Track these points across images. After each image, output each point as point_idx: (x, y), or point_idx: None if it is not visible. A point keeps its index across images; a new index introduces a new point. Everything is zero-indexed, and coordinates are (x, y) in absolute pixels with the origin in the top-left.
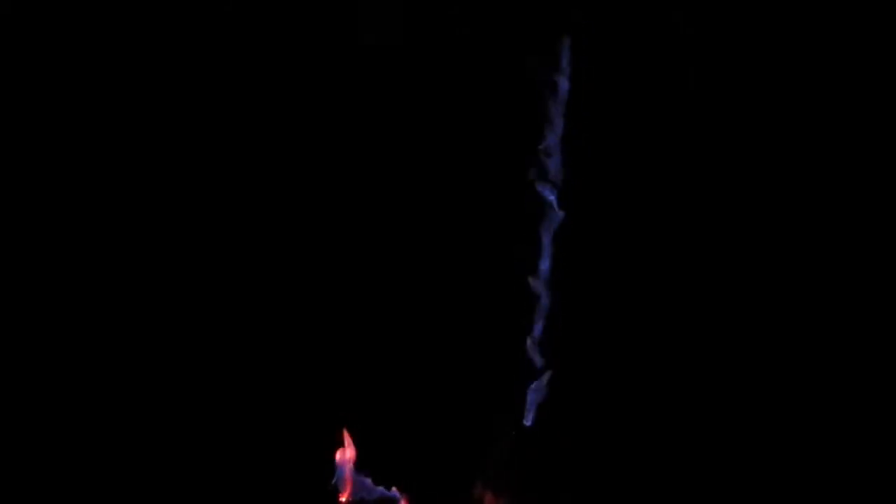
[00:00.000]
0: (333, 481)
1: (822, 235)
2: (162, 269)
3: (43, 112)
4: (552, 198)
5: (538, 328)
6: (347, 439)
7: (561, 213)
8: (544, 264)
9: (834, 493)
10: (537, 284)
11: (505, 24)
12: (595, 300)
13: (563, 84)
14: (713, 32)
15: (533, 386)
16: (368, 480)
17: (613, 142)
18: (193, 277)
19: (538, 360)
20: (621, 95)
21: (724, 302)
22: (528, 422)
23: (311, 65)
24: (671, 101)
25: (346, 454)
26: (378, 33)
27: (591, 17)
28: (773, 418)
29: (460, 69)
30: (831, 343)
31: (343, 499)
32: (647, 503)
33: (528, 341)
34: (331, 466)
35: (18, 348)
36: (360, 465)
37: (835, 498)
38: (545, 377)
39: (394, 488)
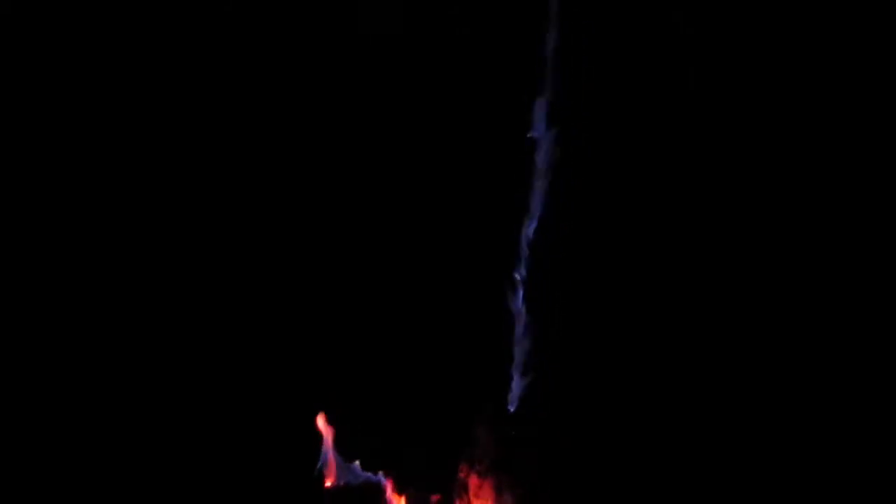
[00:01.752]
0: (319, 466)
1: (821, 235)
2: (150, 260)
3: (43, 112)
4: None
5: (522, 314)
6: (328, 425)
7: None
8: (537, 254)
9: (834, 493)
10: (523, 273)
11: (504, 23)
12: (587, 292)
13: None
14: (713, 32)
15: (518, 371)
16: (355, 465)
17: (613, 140)
18: (175, 270)
19: (524, 345)
20: (621, 95)
21: (719, 300)
22: (512, 407)
23: (311, 58)
24: (671, 101)
25: (330, 440)
26: (378, 24)
27: (591, 17)
28: (768, 416)
29: (458, 66)
30: (830, 343)
31: (329, 483)
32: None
33: (514, 327)
34: (316, 452)
35: (16, 347)
36: (346, 450)
37: (835, 498)
38: (529, 364)
39: (380, 473)
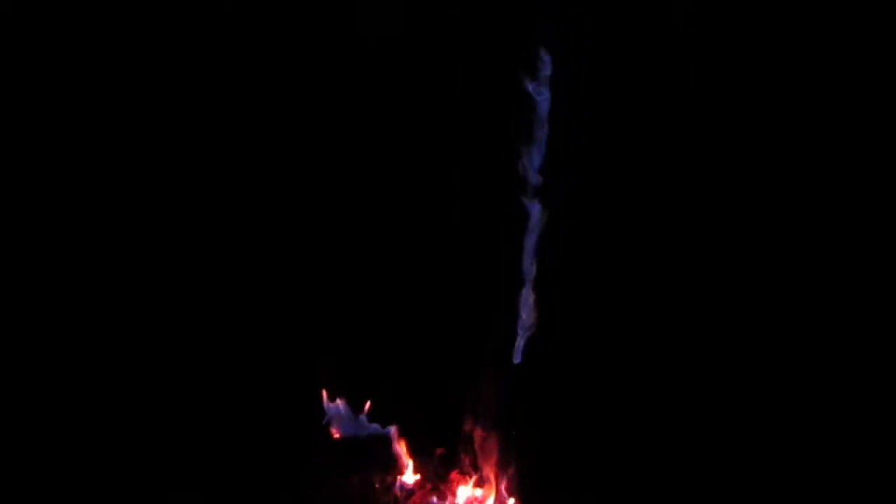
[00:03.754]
0: (326, 419)
1: (821, 235)
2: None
3: (43, 112)
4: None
5: (532, 248)
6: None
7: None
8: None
9: (834, 494)
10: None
11: (503, 23)
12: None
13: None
14: (713, 32)
15: (523, 324)
16: (361, 418)
17: (613, 141)
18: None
19: (529, 297)
20: (621, 95)
21: (717, 300)
22: (517, 359)
23: (311, 59)
24: (671, 101)
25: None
26: (377, 25)
27: (592, 17)
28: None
29: (457, 65)
30: (830, 343)
31: (336, 436)
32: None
33: (520, 278)
34: (324, 405)
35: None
36: (353, 403)
37: (835, 498)
38: (534, 317)
39: (387, 426)
